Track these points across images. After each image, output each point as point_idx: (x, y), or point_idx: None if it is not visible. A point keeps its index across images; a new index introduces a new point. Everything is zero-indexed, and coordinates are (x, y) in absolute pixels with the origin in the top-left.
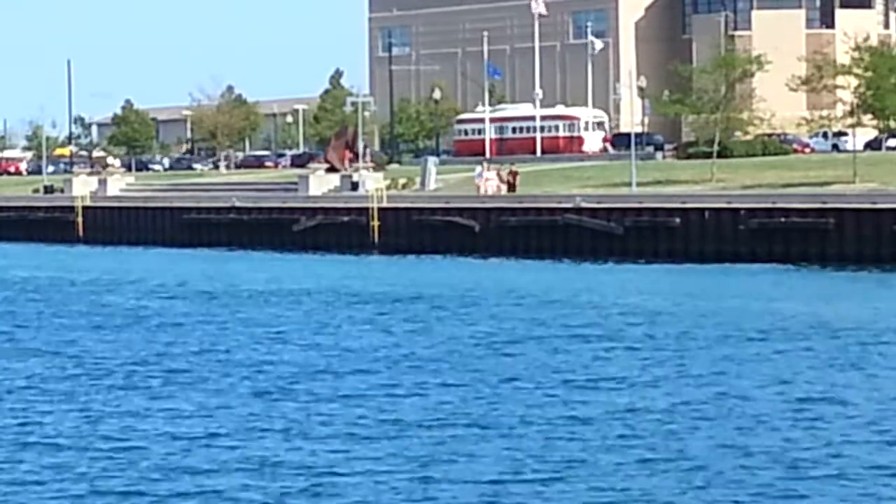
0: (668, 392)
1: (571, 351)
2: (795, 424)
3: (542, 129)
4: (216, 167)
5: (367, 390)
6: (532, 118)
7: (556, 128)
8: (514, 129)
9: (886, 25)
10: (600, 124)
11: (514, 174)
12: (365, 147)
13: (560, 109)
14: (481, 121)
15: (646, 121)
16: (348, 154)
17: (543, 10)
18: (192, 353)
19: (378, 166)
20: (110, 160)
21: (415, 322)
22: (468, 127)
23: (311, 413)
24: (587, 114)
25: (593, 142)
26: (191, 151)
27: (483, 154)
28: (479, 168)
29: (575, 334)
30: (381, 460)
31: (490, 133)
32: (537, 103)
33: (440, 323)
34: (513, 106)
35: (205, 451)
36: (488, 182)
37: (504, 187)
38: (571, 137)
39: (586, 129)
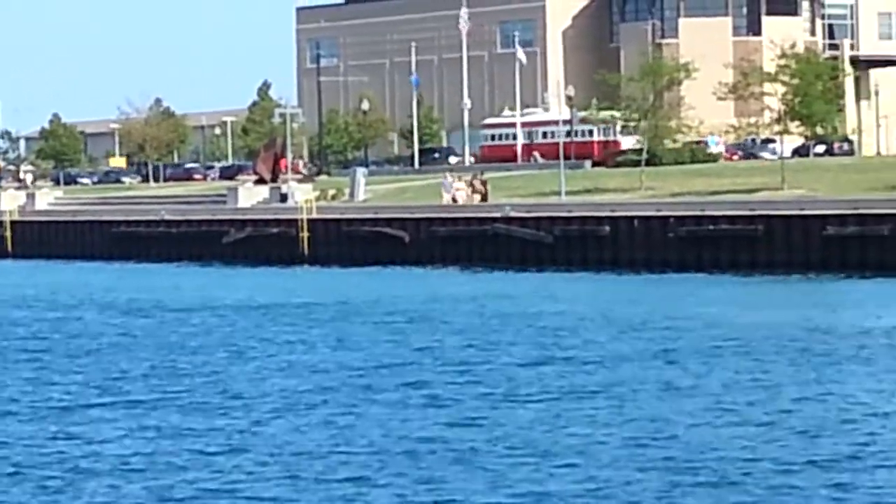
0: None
1: (500, 363)
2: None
3: (576, 133)
4: (146, 180)
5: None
6: (564, 122)
7: (591, 132)
8: (544, 134)
9: (813, 32)
10: (637, 128)
11: (484, 183)
12: (294, 158)
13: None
14: (510, 125)
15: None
16: (284, 163)
17: (466, 27)
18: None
19: (306, 177)
20: (22, 174)
21: (336, 333)
22: (496, 132)
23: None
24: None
25: (629, 146)
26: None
27: (514, 160)
28: (446, 178)
29: (505, 345)
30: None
31: (520, 138)
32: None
33: (369, 335)
34: (542, 109)
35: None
36: (458, 192)
37: (477, 197)
38: (607, 142)
39: (623, 132)
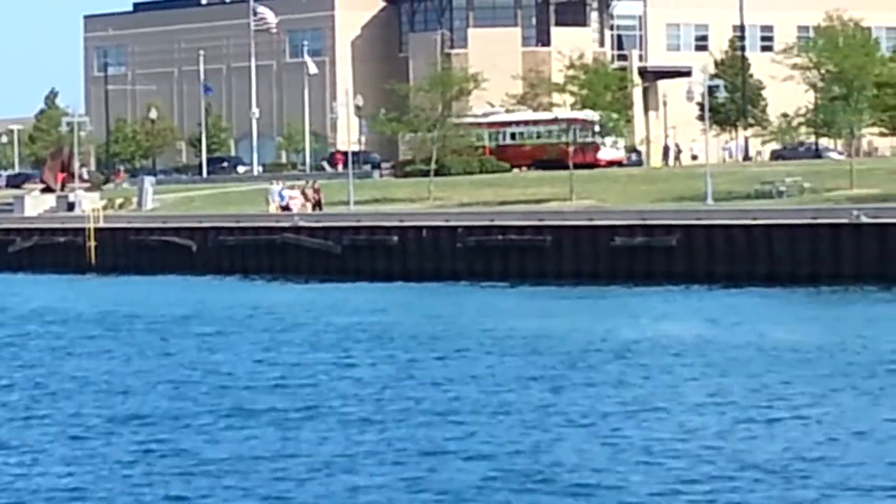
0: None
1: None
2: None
3: (550, 134)
4: None
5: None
6: (537, 122)
7: (567, 133)
8: (513, 136)
9: (602, 43)
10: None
11: (317, 191)
12: (81, 166)
13: (571, 112)
14: (473, 126)
15: (363, 139)
16: (62, 175)
17: (272, 25)
18: None
19: (94, 186)
20: None
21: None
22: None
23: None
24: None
25: (609, 150)
26: None
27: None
28: (274, 186)
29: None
30: None
31: (484, 140)
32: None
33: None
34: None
35: None
36: (292, 200)
37: (309, 206)
38: (585, 144)
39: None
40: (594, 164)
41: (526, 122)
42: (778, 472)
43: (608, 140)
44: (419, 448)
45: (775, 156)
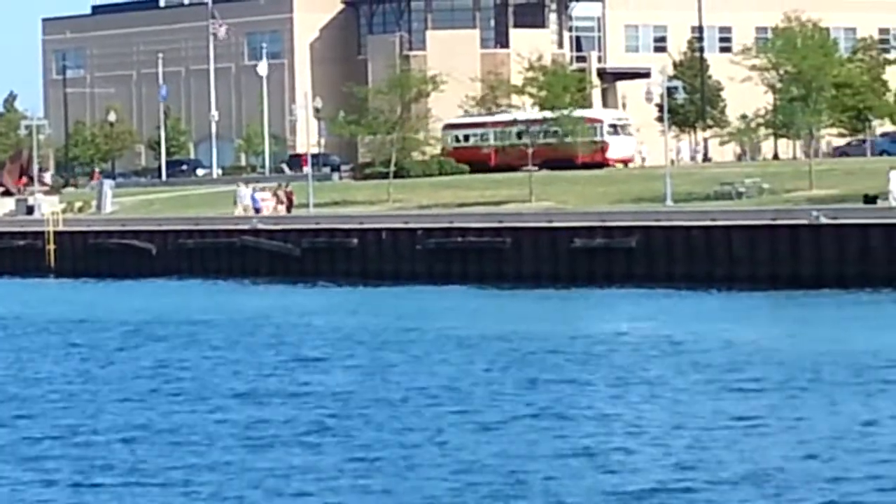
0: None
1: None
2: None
3: (556, 134)
4: None
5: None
6: (542, 121)
7: (574, 132)
8: (519, 135)
9: (560, 45)
10: (624, 128)
11: (289, 193)
12: (42, 170)
13: (577, 111)
14: (478, 125)
15: (322, 142)
16: (24, 179)
17: (222, 34)
18: None
19: (53, 189)
20: None
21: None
22: (461, 133)
23: None
24: (610, 116)
25: (619, 149)
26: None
27: (486, 163)
28: (242, 189)
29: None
30: None
31: (490, 139)
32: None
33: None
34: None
35: None
36: (264, 202)
37: (282, 208)
38: (594, 143)
39: (612, 132)
40: (603, 164)
41: (534, 122)
42: (742, 477)
43: (616, 140)
44: (385, 455)
45: (839, 153)
